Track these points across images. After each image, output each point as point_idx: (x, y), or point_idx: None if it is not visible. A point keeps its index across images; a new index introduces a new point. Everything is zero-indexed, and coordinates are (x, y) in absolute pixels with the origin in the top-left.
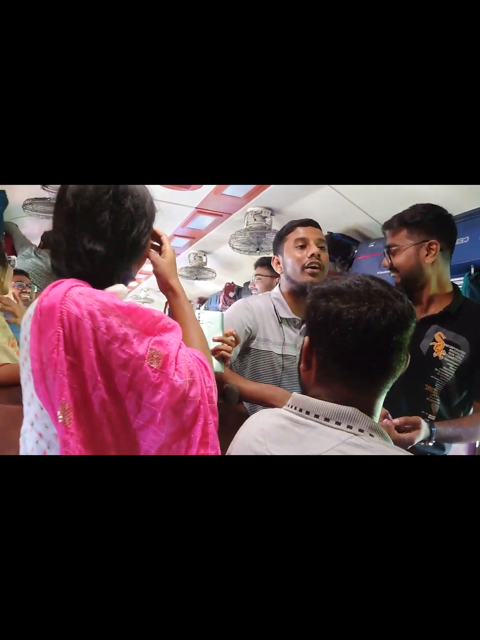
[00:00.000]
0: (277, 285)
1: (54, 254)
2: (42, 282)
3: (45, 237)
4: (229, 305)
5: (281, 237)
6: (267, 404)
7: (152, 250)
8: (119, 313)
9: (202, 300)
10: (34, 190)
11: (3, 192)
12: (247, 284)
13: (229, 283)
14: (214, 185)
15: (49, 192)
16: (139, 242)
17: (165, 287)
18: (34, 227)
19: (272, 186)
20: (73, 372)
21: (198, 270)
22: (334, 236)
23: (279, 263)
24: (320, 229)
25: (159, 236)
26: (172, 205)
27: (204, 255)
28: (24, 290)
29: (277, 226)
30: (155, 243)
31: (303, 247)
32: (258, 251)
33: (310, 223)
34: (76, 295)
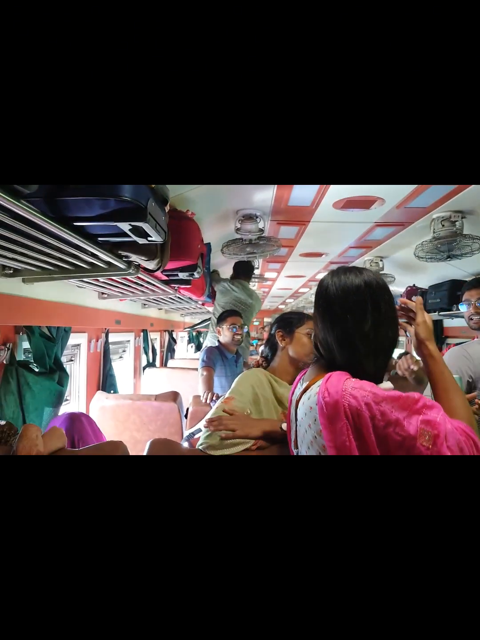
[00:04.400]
0: None
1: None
2: (244, 315)
3: (237, 267)
4: None
5: None
6: None
7: (405, 322)
8: (388, 399)
9: None
10: (229, 234)
11: (209, 243)
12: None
13: (410, 286)
14: (397, 201)
15: (243, 234)
16: (395, 339)
17: (424, 351)
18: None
19: (463, 192)
20: (361, 451)
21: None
22: None
23: None
24: None
25: (411, 309)
26: (350, 224)
27: (380, 260)
28: (237, 332)
29: (469, 230)
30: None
31: None
32: (449, 258)
33: None
34: (351, 389)
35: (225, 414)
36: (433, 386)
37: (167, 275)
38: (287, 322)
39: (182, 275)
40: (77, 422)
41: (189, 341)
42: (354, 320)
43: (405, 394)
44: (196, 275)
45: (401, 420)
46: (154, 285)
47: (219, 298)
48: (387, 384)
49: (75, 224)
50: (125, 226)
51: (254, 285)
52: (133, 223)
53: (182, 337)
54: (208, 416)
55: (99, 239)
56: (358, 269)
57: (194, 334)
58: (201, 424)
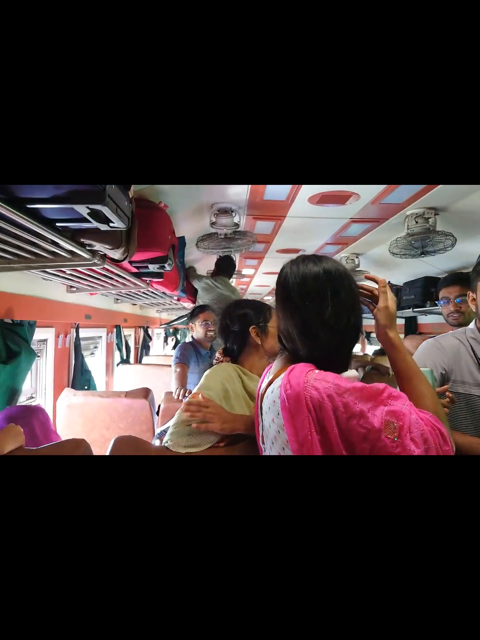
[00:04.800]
0: (474, 321)
1: (285, 338)
2: None
3: (219, 263)
4: None
5: (476, 276)
6: None
7: (369, 301)
8: (351, 391)
9: None
10: (204, 228)
11: (183, 237)
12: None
13: None
14: (372, 197)
15: (218, 229)
16: (359, 326)
17: (384, 339)
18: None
19: (437, 188)
20: (324, 446)
21: (352, 274)
22: None
23: (474, 300)
24: None
25: (375, 291)
26: (325, 220)
27: (357, 257)
28: (209, 328)
29: (442, 226)
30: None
31: None
32: (422, 254)
33: None
34: (313, 380)
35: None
36: (396, 375)
37: (136, 268)
38: (257, 317)
39: (152, 268)
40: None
41: (166, 337)
42: (314, 308)
43: (369, 385)
44: (167, 267)
45: (365, 412)
46: (124, 278)
47: (203, 295)
48: (351, 372)
49: (28, 206)
50: (82, 209)
51: (232, 282)
52: (91, 206)
53: (158, 333)
54: (177, 413)
55: (57, 224)
56: (318, 257)
57: (171, 330)
58: (171, 422)
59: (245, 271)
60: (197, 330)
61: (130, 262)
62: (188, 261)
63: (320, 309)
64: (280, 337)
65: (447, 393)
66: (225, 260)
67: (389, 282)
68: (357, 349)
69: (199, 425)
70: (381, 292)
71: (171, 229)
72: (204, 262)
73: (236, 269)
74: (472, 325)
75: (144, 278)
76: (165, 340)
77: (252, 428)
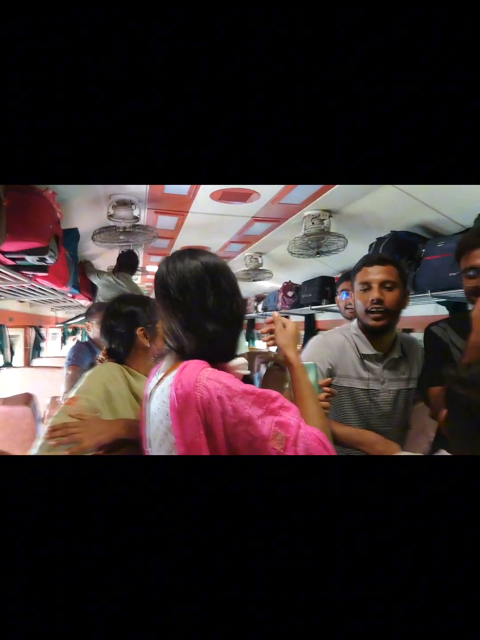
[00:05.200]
0: (356, 319)
1: (170, 338)
2: None
3: (121, 259)
4: (288, 305)
5: (353, 275)
6: (357, 449)
7: (276, 322)
8: (242, 395)
9: (259, 298)
10: (102, 221)
11: (75, 228)
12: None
13: (286, 282)
14: (272, 196)
15: (116, 222)
16: (241, 314)
17: (284, 358)
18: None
19: (330, 191)
20: (210, 449)
21: (255, 272)
22: (399, 235)
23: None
24: (394, 263)
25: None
26: (229, 217)
27: (260, 256)
28: None
29: (335, 228)
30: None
31: (367, 290)
32: (318, 254)
33: (377, 262)
34: (205, 380)
35: (71, 420)
36: (293, 392)
37: (12, 259)
38: (144, 318)
39: (30, 259)
40: None
41: (64, 338)
42: (195, 300)
43: (261, 390)
44: (49, 260)
45: (254, 419)
46: None
47: (104, 292)
48: (239, 360)
49: None
50: None
51: (137, 279)
52: None
53: (54, 333)
54: (49, 423)
55: None
56: (193, 251)
57: (70, 330)
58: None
59: (150, 268)
60: (93, 330)
61: (3, 253)
62: (88, 255)
63: (202, 300)
64: (165, 337)
65: (325, 388)
66: (127, 255)
67: (290, 281)
68: (264, 346)
69: (71, 450)
70: (267, 322)
71: (54, 218)
72: (105, 257)
73: (140, 266)
74: (354, 322)
75: (24, 272)
76: (63, 341)
77: (136, 431)
